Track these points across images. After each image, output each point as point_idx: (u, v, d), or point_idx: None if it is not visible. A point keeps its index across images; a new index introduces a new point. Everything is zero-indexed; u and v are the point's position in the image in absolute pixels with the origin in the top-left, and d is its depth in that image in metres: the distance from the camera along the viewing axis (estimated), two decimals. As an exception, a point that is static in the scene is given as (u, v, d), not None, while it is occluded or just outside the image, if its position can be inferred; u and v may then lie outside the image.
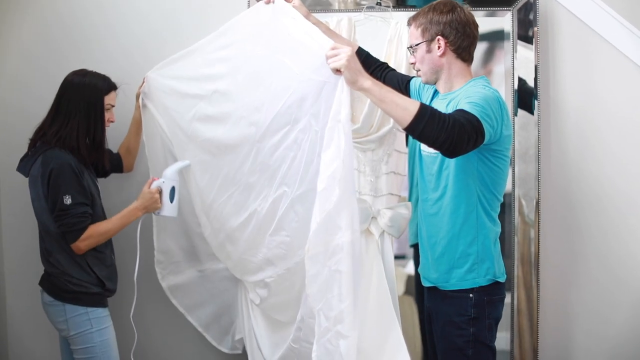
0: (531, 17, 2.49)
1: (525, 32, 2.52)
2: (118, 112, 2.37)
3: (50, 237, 2.23)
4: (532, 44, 2.50)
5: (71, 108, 2.21)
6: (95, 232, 2.20)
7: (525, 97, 2.53)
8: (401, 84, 2.23)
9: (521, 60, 2.53)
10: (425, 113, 1.70)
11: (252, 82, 2.12)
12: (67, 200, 2.15)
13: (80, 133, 2.22)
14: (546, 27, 2.53)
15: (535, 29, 2.48)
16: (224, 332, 2.68)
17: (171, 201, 2.30)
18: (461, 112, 1.76)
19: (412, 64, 2.06)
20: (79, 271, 2.22)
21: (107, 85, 2.28)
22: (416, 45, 2.01)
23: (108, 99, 2.28)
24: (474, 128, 1.73)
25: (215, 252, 2.44)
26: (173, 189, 2.30)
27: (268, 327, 2.42)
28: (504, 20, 2.57)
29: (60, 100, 2.24)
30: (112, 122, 2.34)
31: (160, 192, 2.28)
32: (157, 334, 2.64)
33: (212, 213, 2.33)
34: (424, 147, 2.05)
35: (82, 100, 2.22)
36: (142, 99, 2.45)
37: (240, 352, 2.67)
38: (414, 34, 2.02)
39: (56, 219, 2.16)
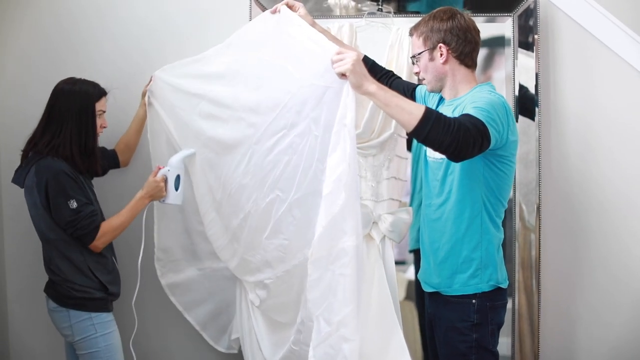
0: (531, 23, 2.51)
1: (526, 38, 2.53)
2: (116, 115, 2.37)
3: (49, 244, 2.23)
4: (532, 50, 2.51)
5: (63, 116, 2.21)
6: (109, 228, 2.22)
7: (526, 103, 2.54)
8: (407, 91, 2.25)
9: (522, 67, 2.54)
10: (431, 117, 1.71)
11: (251, 85, 2.13)
12: (73, 204, 2.15)
13: (73, 141, 2.22)
14: (546, 32, 2.55)
15: (536, 36, 2.49)
16: (221, 331, 2.69)
17: (176, 189, 2.33)
18: (467, 117, 1.76)
19: (416, 73, 2.07)
20: (82, 277, 2.22)
21: (97, 92, 2.29)
22: (419, 54, 2.02)
23: (99, 105, 2.28)
24: (480, 132, 1.74)
25: (222, 250, 2.44)
26: (178, 177, 2.33)
27: (268, 327, 2.42)
28: (505, 26, 2.59)
29: (51, 110, 2.24)
30: (104, 127, 2.34)
31: (165, 180, 2.30)
32: (154, 332, 2.64)
33: (221, 210, 2.35)
34: (430, 153, 2.06)
35: (74, 107, 2.22)
36: (149, 97, 2.48)
37: (236, 351, 2.68)
38: (416, 43, 2.03)
39: (68, 226, 2.17)
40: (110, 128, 2.39)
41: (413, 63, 2.07)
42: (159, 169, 2.32)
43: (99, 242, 2.21)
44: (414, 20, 2.32)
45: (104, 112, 2.32)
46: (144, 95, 2.50)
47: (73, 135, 2.22)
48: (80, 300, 2.21)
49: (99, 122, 2.29)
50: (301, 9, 2.11)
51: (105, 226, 2.22)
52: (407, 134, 2.41)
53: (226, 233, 2.38)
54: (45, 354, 2.79)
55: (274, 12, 2.11)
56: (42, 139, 2.22)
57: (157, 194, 2.30)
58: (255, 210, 2.16)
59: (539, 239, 2.53)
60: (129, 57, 2.72)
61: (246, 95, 2.14)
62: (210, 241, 2.45)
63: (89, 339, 2.21)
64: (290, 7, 2.10)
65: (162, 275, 2.60)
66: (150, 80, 2.47)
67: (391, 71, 2.34)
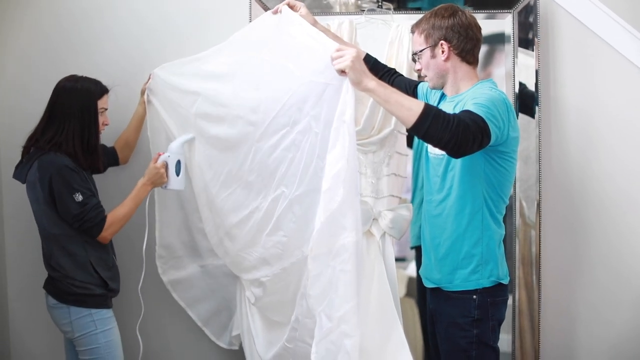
0: (531, 19, 2.51)
1: (526, 34, 2.53)
2: (117, 113, 2.38)
3: (49, 240, 2.24)
4: (532, 47, 2.51)
5: (65, 114, 2.22)
6: (115, 219, 2.24)
7: (526, 100, 2.54)
8: (409, 88, 2.25)
9: (521, 64, 2.54)
10: (430, 113, 1.71)
11: (250, 84, 2.13)
12: (79, 197, 2.17)
13: (75, 138, 2.22)
14: (546, 29, 2.55)
15: (536, 34, 2.49)
16: (223, 327, 2.70)
17: (177, 174, 2.33)
18: (467, 113, 1.77)
19: (417, 70, 2.07)
20: (82, 273, 2.23)
21: (99, 89, 2.30)
22: (420, 51, 2.03)
23: (101, 103, 2.29)
24: (479, 128, 1.74)
25: (217, 247, 2.45)
26: (179, 163, 2.33)
27: (264, 325, 2.43)
28: (505, 23, 2.58)
29: (53, 107, 2.24)
30: (106, 125, 2.35)
31: (166, 166, 2.31)
32: (155, 328, 2.65)
33: (214, 208, 2.35)
34: (431, 149, 2.06)
35: (76, 105, 2.23)
36: (147, 95, 2.49)
37: (237, 348, 2.69)
38: (418, 41, 2.04)
39: (75, 219, 2.18)
40: (111, 125, 2.40)
41: (414, 60, 2.08)
42: (159, 155, 2.32)
43: (106, 233, 2.23)
44: (413, 17, 2.33)
45: (106, 109, 2.33)
46: (142, 93, 2.51)
47: (75, 132, 2.22)
48: (80, 297, 2.22)
49: (101, 119, 2.30)
50: (302, 8, 2.12)
51: (111, 217, 2.24)
52: (407, 130, 2.40)
53: (217, 232, 2.39)
54: (46, 353, 2.79)
55: (275, 12, 2.12)
56: (44, 135, 2.22)
57: (159, 181, 2.30)
58: (262, 207, 2.17)
59: (539, 235, 2.53)
60: (129, 57, 2.72)
61: (245, 94, 2.14)
62: (207, 238, 2.46)
63: (89, 335, 2.22)
64: (291, 7, 2.10)
65: (164, 273, 2.61)
66: (149, 78, 2.48)
67: (393, 69, 2.35)
